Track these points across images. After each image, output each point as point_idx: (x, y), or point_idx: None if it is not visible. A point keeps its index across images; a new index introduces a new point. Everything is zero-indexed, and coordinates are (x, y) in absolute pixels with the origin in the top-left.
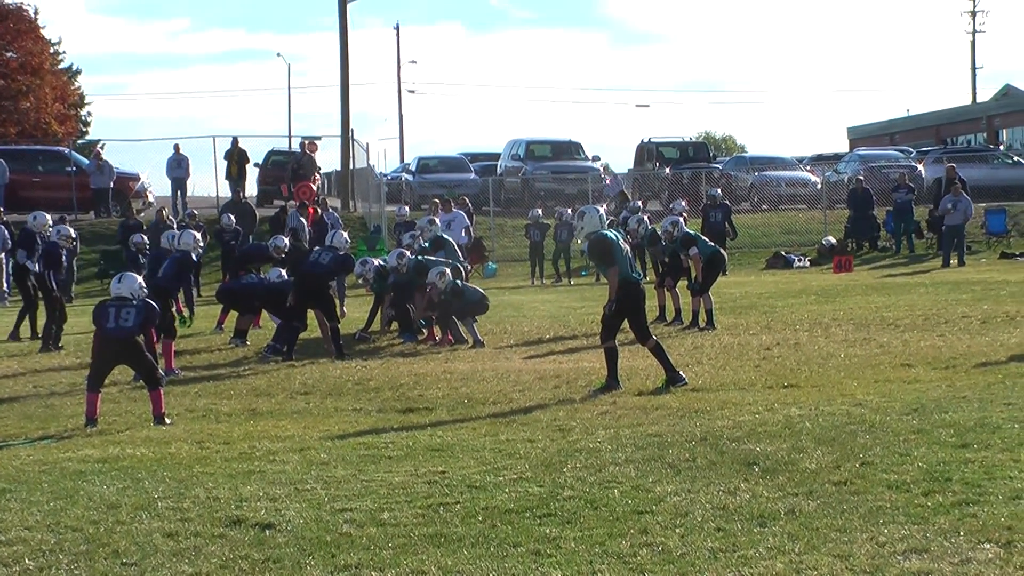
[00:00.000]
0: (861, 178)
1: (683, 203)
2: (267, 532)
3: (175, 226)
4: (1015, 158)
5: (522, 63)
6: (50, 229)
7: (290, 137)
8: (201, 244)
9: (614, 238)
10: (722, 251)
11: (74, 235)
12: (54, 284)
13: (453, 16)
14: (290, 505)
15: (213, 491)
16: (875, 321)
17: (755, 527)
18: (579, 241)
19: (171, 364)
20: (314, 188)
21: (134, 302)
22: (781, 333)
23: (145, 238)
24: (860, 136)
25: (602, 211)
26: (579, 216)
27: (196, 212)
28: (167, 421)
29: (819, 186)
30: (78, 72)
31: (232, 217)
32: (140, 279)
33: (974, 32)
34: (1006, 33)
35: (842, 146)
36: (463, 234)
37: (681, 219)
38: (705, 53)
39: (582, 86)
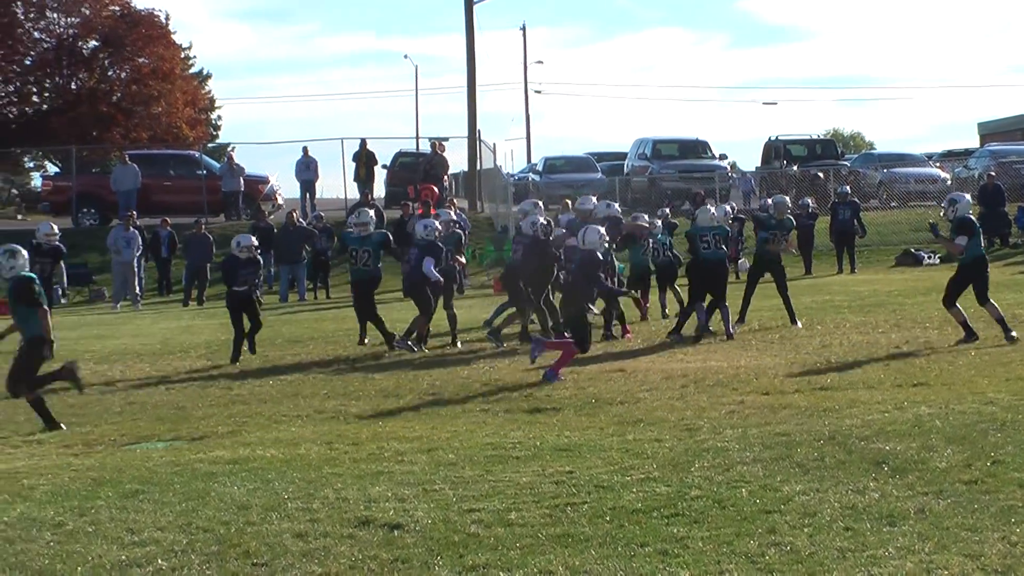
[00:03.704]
0: (992, 174)
1: (810, 200)
2: (395, 532)
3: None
4: None
5: (649, 62)
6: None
7: (418, 138)
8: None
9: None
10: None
11: (256, 243)
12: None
13: (580, 16)
14: (418, 505)
15: (342, 492)
16: (1006, 318)
17: (884, 527)
18: None
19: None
20: (436, 190)
21: None
22: (911, 331)
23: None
24: (991, 131)
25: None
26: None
27: (324, 214)
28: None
29: (949, 182)
30: (208, 76)
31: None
32: None
33: None
34: None
35: (973, 142)
36: None
37: (967, 197)
38: (833, 49)
39: (709, 84)
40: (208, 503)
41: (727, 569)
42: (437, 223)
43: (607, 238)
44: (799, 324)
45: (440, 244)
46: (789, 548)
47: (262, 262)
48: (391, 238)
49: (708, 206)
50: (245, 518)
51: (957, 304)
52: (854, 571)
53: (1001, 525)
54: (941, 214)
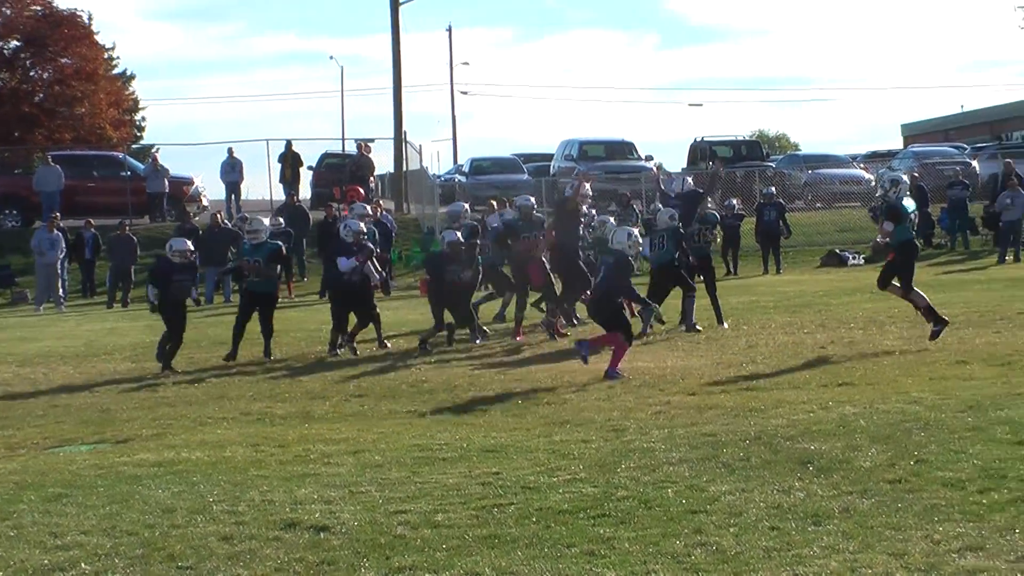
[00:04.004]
0: (916, 175)
1: (735, 201)
2: (322, 535)
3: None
4: None
5: (576, 63)
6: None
7: (343, 140)
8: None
9: None
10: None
11: (191, 248)
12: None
13: (508, 17)
14: (345, 507)
15: (268, 494)
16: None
17: (809, 526)
18: None
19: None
20: (362, 191)
21: None
22: (836, 331)
23: None
24: (914, 133)
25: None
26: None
27: (249, 216)
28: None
29: (873, 183)
30: (132, 77)
31: (280, 219)
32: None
33: None
34: None
35: (896, 143)
36: None
37: (906, 179)
38: (757, 51)
39: (635, 86)
40: (132, 506)
41: (653, 569)
42: (360, 224)
43: (639, 241)
44: (725, 325)
45: (349, 242)
46: (715, 548)
47: (197, 265)
48: (285, 251)
49: (671, 208)
50: (170, 521)
51: (893, 283)
52: (779, 570)
53: (925, 524)
54: (879, 192)
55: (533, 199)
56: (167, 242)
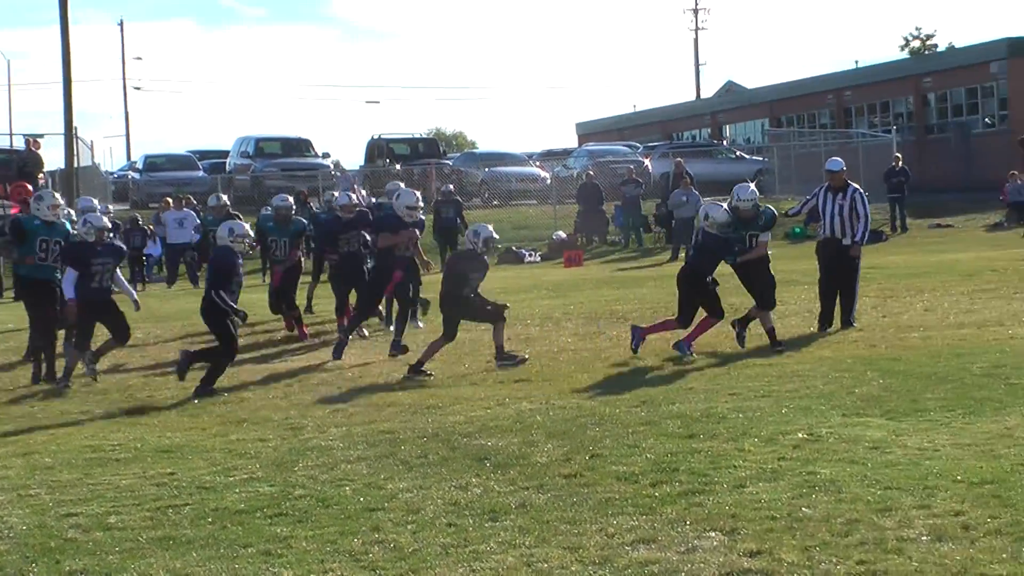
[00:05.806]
0: (591, 173)
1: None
2: None
3: None
4: (738, 153)
5: (253, 60)
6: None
7: (11, 135)
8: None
9: None
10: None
11: (251, 233)
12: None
13: (183, 12)
14: (13, 511)
15: None
16: (605, 314)
17: (487, 522)
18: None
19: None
20: (30, 187)
21: None
22: (512, 328)
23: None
24: (589, 132)
25: None
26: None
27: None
28: None
29: (549, 181)
30: None
31: None
32: None
33: (697, 29)
34: (727, 30)
35: (571, 142)
36: (194, 232)
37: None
38: (433, 50)
39: (312, 83)
40: None
41: (331, 568)
42: (104, 219)
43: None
44: (420, 324)
45: (91, 241)
46: (393, 545)
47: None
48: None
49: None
50: None
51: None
52: (457, 567)
53: (599, 517)
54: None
55: (291, 199)
56: (223, 226)
